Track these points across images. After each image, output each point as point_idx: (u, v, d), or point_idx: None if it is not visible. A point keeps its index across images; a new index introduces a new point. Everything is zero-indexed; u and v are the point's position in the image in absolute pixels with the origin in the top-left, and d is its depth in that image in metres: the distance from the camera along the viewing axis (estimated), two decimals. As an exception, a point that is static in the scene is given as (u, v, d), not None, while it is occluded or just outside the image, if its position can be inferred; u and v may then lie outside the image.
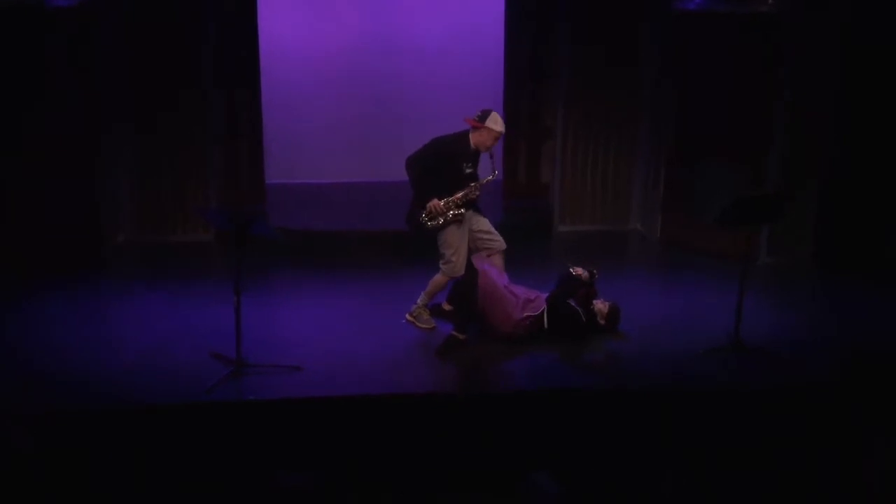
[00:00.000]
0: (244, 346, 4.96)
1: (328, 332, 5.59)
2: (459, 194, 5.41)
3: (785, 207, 5.67)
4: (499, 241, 5.66)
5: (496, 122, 5.40)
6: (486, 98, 8.47)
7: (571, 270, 5.37)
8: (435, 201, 5.37)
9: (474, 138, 5.43)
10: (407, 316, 5.70)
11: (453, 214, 5.41)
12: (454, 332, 5.27)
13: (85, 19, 6.82)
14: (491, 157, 5.48)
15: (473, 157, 5.49)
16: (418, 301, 5.69)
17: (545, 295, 5.44)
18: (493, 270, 5.43)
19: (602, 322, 5.50)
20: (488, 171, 5.55)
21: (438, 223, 5.41)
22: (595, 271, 5.34)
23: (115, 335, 5.51)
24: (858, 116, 6.94)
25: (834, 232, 7.06)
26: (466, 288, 5.29)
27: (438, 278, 5.59)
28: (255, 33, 7.62)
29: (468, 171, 5.47)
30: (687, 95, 7.49)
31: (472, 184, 5.43)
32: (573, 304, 5.41)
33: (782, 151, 7.01)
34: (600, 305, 5.52)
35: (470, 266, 5.40)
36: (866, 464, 4.26)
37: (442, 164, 5.40)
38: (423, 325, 5.65)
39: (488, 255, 5.61)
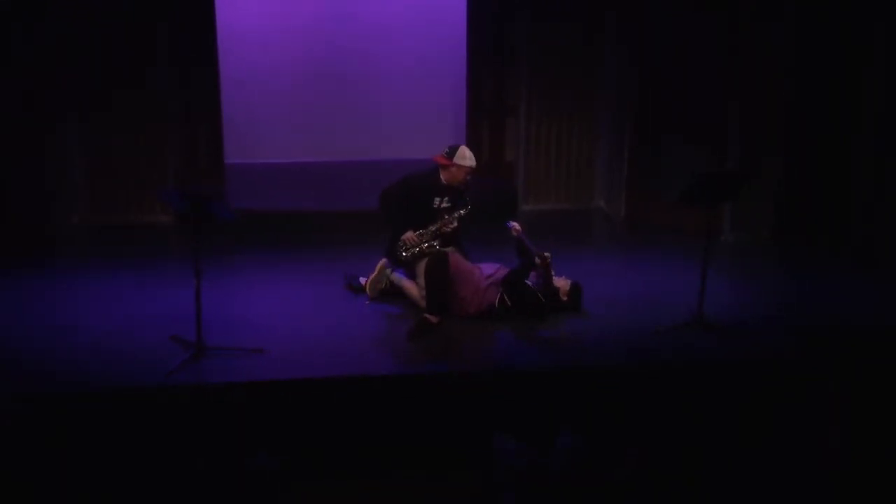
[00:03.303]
0: (204, 329, 4.92)
1: (290, 315, 5.56)
2: (432, 227, 5.48)
3: (745, 185, 5.74)
4: None
5: (464, 158, 5.46)
6: (448, 76, 8.49)
7: (510, 226, 5.43)
8: (409, 234, 5.46)
9: (445, 175, 5.51)
10: (382, 262, 5.69)
11: (427, 246, 5.47)
12: (426, 316, 5.28)
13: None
14: (465, 189, 5.53)
15: (448, 191, 5.54)
16: (392, 276, 5.71)
17: (507, 269, 5.50)
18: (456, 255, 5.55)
19: (565, 299, 5.53)
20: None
21: (414, 254, 5.48)
22: (547, 255, 5.38)
23: (70, 319, 5.43)
24: (821, 93, 7.03)
25: (796, 209, 7.17)
26: (438, 271, 5.29)
27: (412, 290, 5.60)
28: (212, 8, 7.49)
29: (444, 205, 5.54)
30: (649, 73, 7.53)
31: (446, 216, 5.49)
32: (531, 284, 5.46)
33: (744, 128, 7.09)
34: (561, 282, 5.56)
35: (439, 253, 5.43)
36: (827, 437, 4.36)
37: (412, 199, 5.49)
38: (369, 291, 5.70)
39: None
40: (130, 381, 4.63)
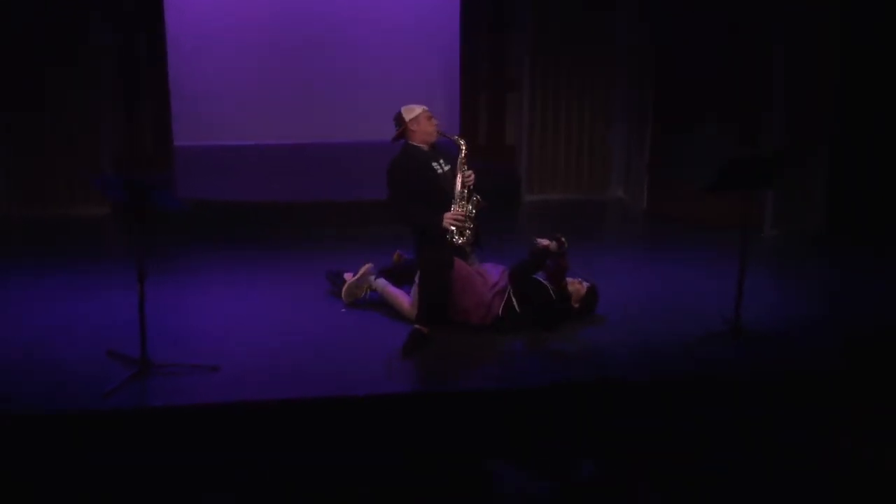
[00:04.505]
0: (149, 342, 4.87)
1: (253, 325, 5.54)
2: (458, 189, 5.53)
3: (786, 170, 5.72)
4: None
5: (412, 111, 5.56)
6: (439, 44, 8.46)
7: (537, 242, 5.46)
8: (448, 216, 5.47)
9: (416, 139, 5.59)
10: (367, 267, 5.74)
11: (476, 203, 5.53)
12: (418, 327, 5.30)
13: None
14: (442, 135, 5.63)
15: (436, 153, 5.64)
16: (377, 283, 5.73)
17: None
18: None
19: (576, 306, 5.55)
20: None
21: (469, 228, 5.52)
22: (563, 239, 5.40)
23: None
24: (875, 64, 7.01)
25: (849, 200, 7.17)
26: (437, 275, 5.31)
27: (399, 299, 5.62)
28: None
29: (445, 167, 5.61)
30: (671, 40, 7.51)
31: (458, 173, 5.56)
32: (541, 279, 5.48)
33: (786, 105, 7.07)
34: (577, 286, 5.56)
35: (441, 253, 5.43)
36: (879, 460, 4.36)
37: (417, 177, 5.53)
38: (345, 296, 5.74)
39: None
40: (59, 405, 4.57)
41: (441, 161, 5.60)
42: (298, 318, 5.62)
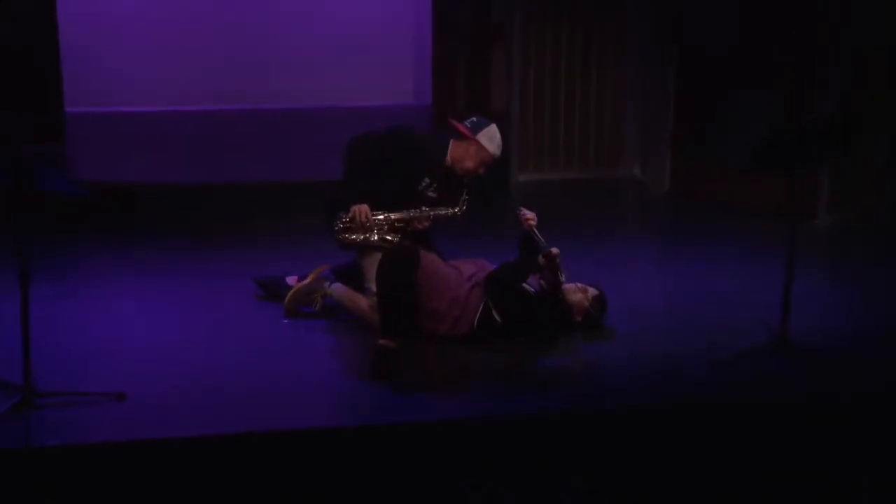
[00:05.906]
0: (34, 364, 4.82)
1: (165, 341, 5.54)
2: (399, 214, 5.61)
3: (851, 140, 5.75)
4: None
5: (492, 139, 5.67)
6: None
7: (521, 213, 5.57)
8: (363, 207, 5.54)
9: (455, 151, 5.70)
10: (321, 268, 5.82)
11: (379, 239, 5.58)
12: (383, 342, 5.33)
13: None
14: (466, 184, 5.68)
15: (446, 177, 5.72)
16: (333, 288, 5.78)
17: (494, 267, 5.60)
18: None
19: (578, 318, 5.59)
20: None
21: (353, 239, 5.60)
22: (555, 251, 5.43)
23: None
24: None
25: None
26: (400, 274, 5.34)
27: (361, 305, 5.70)
28: None
29: (430, 193, 5.72)
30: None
31: (424, 208, 5.66)
32: (530, 289, 5.51)
33: (844, 66, 7.11)
34: (577, 296, 5.58)
35: (405, 248, 5.51)
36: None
37: (398, 159, 5.64)
38: (287, 304, 5.80)
39: None
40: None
41: (436, 185, 5.69)
42: (227, 332, 5.63)
